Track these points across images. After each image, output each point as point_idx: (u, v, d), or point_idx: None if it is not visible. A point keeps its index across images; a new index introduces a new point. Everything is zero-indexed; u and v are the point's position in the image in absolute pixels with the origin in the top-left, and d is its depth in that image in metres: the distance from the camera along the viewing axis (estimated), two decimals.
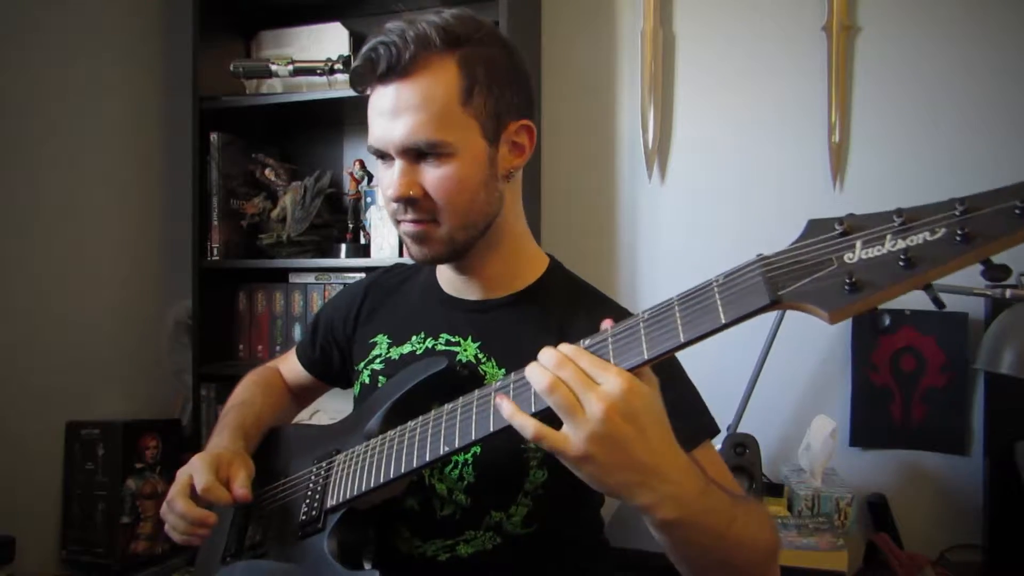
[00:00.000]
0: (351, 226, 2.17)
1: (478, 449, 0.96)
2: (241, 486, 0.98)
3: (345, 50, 2.13)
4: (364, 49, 0.95)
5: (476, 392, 0.84)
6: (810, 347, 1.96)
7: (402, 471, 0.88)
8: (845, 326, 1.93)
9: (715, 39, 2.07)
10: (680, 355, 0.99)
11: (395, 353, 1.09)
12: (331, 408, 1.77)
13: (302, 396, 1.33)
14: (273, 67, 2.10)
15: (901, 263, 0.60)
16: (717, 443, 1.49)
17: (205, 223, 2.14)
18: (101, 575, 1.98)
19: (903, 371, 1.89)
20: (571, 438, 0.70)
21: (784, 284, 0.65)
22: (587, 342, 0.76)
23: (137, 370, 2.22)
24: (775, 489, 1.86)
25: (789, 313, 1.90)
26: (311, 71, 2.10)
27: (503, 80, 0.97)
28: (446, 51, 0.93)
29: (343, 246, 2.11)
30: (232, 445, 1.06)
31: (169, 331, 2.30)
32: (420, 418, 0.90)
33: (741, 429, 1.78)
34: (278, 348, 2.19)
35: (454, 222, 0.96)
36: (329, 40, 2.15)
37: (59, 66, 2.00)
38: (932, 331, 1.87)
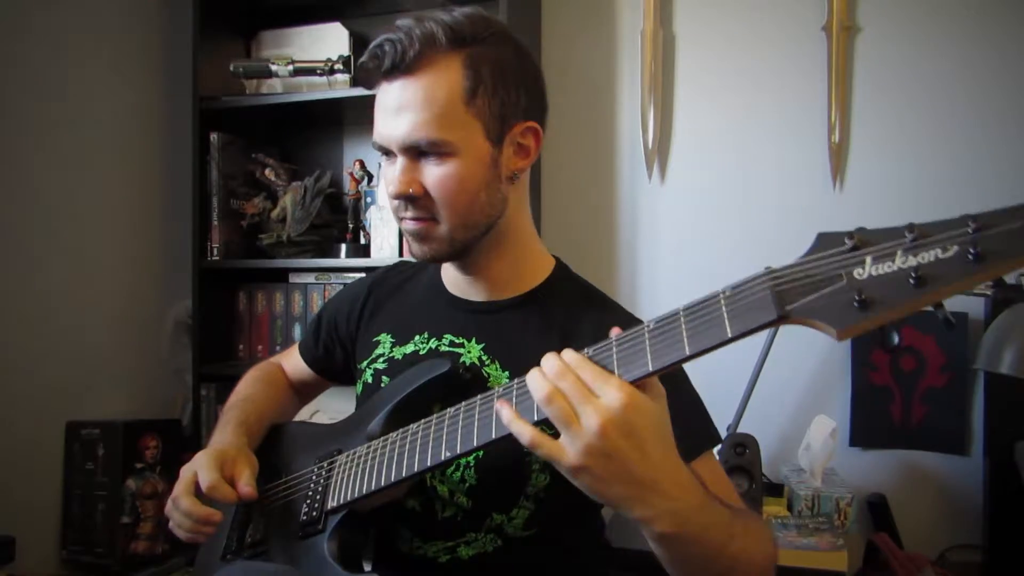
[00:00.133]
0: (351, 226, 2.17)
1: (480, 452, 0.96)
2: (246, 484, 0.98)
3: (345, 50, 2.13)
4: (371, 45, 0.95)
5: (479, 397, 0.84)
6: (810, 347, 1.96)
7: (403, 475, 0.88)
8: None
9: (715, 39, 2.07)
10: None
11: (398, 353, 1.09)
12: (332, 408, 1.77)
13: (304, 392, 1.32)
14: (273, 67, 2.10)
15: (912, 281, 0.59)
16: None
17: (205, 223, 2.14)
18: (101, 575, 1.98)
19: (903, 371, 1.89)
20: (567, 449, 0.70)
21: (792, 299, 0.64)
22: (591, 350, 0.75)
23: (137, 370, 2.22)
24: (775, 489, 1.86)
25: None
26: (311, 71, 2.10)
27: (510, 81, 0.96)
28: (452, 50, 0.93)
29: (343, 246, 2.12)
30: (235, 441, 1.06)
31: (169, 331, 2.30)
32: (422, 421, 0.90)
33: (741, 429, 1.78)
34: (278, 348, 2.19)
35: (454, 221, 0.96)
36: (329, 40, 2.15)
37: (59, 66, 2.01)
38: (932, 331, 1.87)
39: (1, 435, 1.85)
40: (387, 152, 0.98)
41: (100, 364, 2.11)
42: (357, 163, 2.18)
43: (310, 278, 2.18)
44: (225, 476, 0.98)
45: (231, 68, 2.11)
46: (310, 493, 1.00)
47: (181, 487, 0.98)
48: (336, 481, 0.97)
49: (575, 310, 1.03)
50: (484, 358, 1.02)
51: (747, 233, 2.04)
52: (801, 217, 2.00)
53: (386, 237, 2.05)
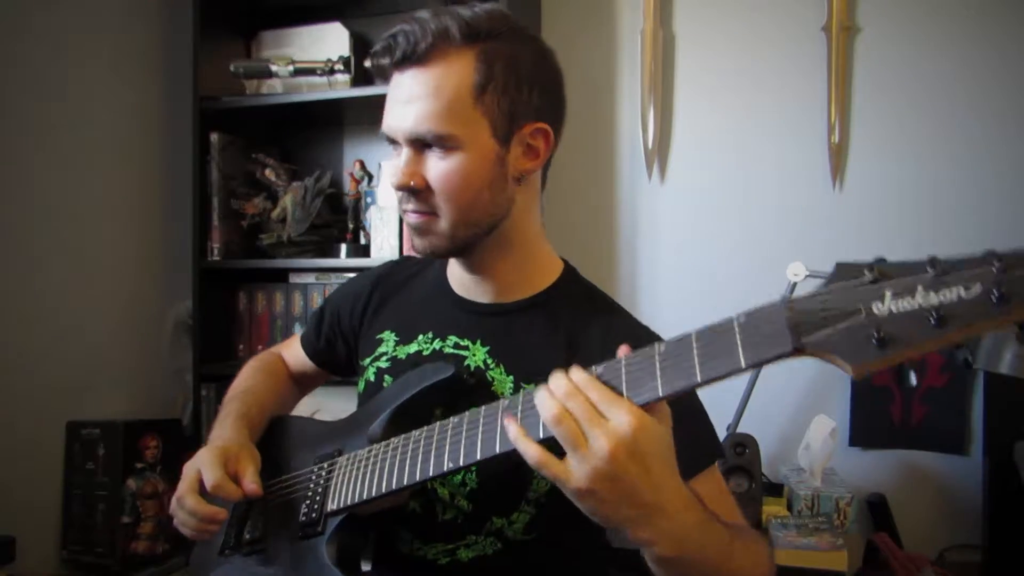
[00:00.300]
0: (351, 226, 2.17)
1: None
2: (251, 481, 0.98)
3: (345, 50, 2.13)
4: (385, 35, 0.94)
5: (483, 409, 0.83)
6: None
7: (404, 483, 0.87)
8: None
9: (715, 39, 2.07)
10: None
11: (402, 352, 1.08)
12: (333, 407, 1.77)
13: (304, 383, 1.32)
14: (273, 67, 2.10)
15: (932, 320, 0.57)
16: None
17: (205, 223, 2.14)
18: (101, 575, 1.98)
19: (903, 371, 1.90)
20: (573, 472, 0.70)
21: (808, 331, 0.63)
22: (600, 369, 0.74)
23: (137, 370, 2.22)
24: (775, 489, 1.86)
25: None
26: (311, 71, 2.10)
27: (523, 80, 0.95)
28: (465, 44, 0.92)
29: (343, 246, 2.12)
30: (237, 436, 1.05)
31: (169, 331, 2.30)
32: (425, 428, 0.89)
33: (741, 429, 1.78)
34: None
35: (454, 217, 0.95)
36: (329, 40, 2.15)
37: (59, 66, 2.00)
38: None
39: (1, 435, 1.85)
40: (394, 142, 0.97)
41: (100, 364, 2.11)
42: (357, 163, 2.18)
43: (310, 278, 2.18)
44: (229, 472, 0.98)
45: (231, 68, 2.11)
46: (309, 493, 0.99)
47: (185, 485, 0.98)
48: (336, 483, 0.96)
49: (582, 315, 1.02)
50: (489, 361, 1.01)
51: (747, 233, 2.04)
52: (801, 217, 2.00)
53: (386, 237, 2.05)
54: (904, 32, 1.94)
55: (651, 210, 2.12)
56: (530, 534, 0.97)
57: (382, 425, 0.98)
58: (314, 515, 0.96)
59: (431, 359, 1.04)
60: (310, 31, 2.18)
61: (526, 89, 0.95)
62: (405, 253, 2.00)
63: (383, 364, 1.09)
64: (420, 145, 0.94)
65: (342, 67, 2.08)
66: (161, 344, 2.29)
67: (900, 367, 0.57)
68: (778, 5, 2.02)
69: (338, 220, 2.21)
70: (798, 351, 0.63)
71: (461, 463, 0.82)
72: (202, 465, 0.98)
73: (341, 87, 2.10)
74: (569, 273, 1.08)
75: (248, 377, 1.23)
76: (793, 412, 1.97)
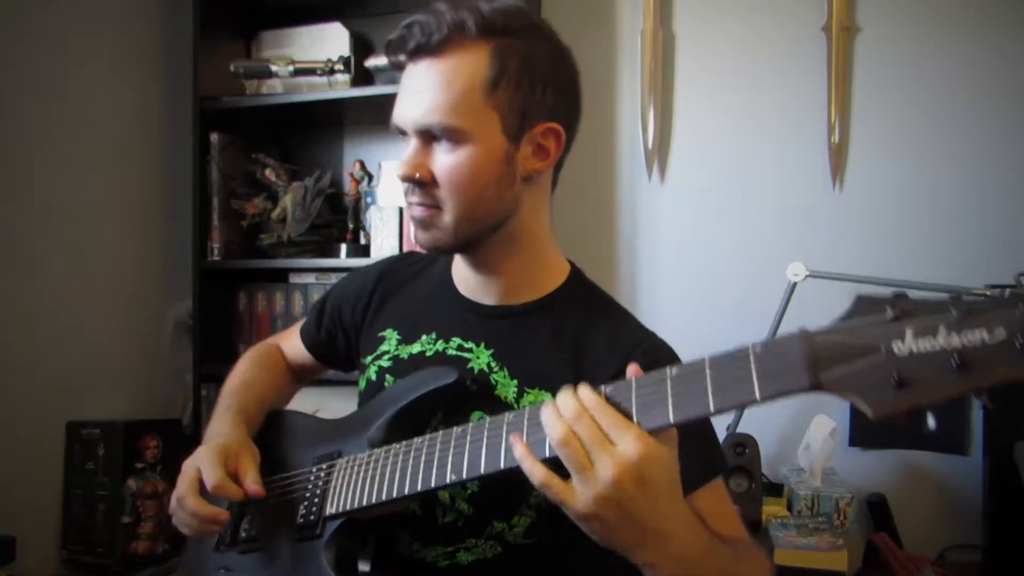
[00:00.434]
0: (351, 226, 2.17)
1: None
2: (253, 482, 0.96)
3: (345, 50, 2.13)
4: (401, 24, 0.93)
5: (488, 421, 0.82)
6: None
7: (405, 493, 0.86)
8: None
9: (715, 39, 2.07)
10: (678, 351, 1.00)
11: (404, 352, 1.06)
12: (332, 407, 1.76)
13: (302, 376, 1.30)
14: (273, 67, 2.10)
15: (954, 363, 0.56)
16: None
17: (205, 223, 2.14)
18: (101, 575, 1.98)
19: None
20: (578, 495, 0.69)
21: (826, 366, 0.61)
22: (610, 388, 0.73)
23: (137, 370, 2.22)
24: (775, 489, 1.86)
25: (791, 310, 1.89)
26: (311, 71, 2.10)
27: (537, 78, 0.93)
28: (480, 38, 0.91)
29: (343, 246, 2.12)
30: (236, 432, 1.04)
31: (169, 331, 2.30)
32: (427, 437, 0.88)
33: (741, 429, 1.78)
34: None
35: (458, 212, 0.93)
36: (329, 40, 2.15)
37: (59, 66, 2.01)
38: None
39: (1, 435, 1.85)
40: (403, 133, 0.96)
41: (100, 364, 2.11)
42: (357, 163, 2.18)
43: (310, 278, 2.18)
44: (229, 471, 0.96)
45: (231, 68, 2.11)
46: (307, 495, 0.98)
47: (185, 485, 0.96)
48: (335, 486, 0.95)
49: (589, 319, 1.00)
50: (493, 365, 1.00)
51: (747, 233, 2.04)
52: (801, 217, 2.00)
53: (386, 237, 2.05)
54: (904, 32, 1.94)
55: (651, 210, 2.12)
56: (530, 538, 0.96)
57: (382, 429, 0.97)
58: (312, 518, 0.95)
59: (434, 360, 1.03)
60: (310, 31, 2.18)
61: (540, 87, 0.94)
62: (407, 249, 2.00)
63: (385, 363, 1.07)
64: (428, 137, 0.93)
65: (342, 67, 2.08)
66: (161, 344, 2.29)
67: (919, 410, 0.56)
68: (778, 5, 2.02)
69: (338, 220, 2.21)
70: (815, 387, 0.62)
71: (464, 476, 0.81)
72: (202, 464, 0.96)
73: (341, 87, 2.10)
74: (576, 276, 1.06)
75: (246, 369, 1.21)
76: (793, 412, 1.97)
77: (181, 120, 2.18)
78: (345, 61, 2.08)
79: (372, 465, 0.93)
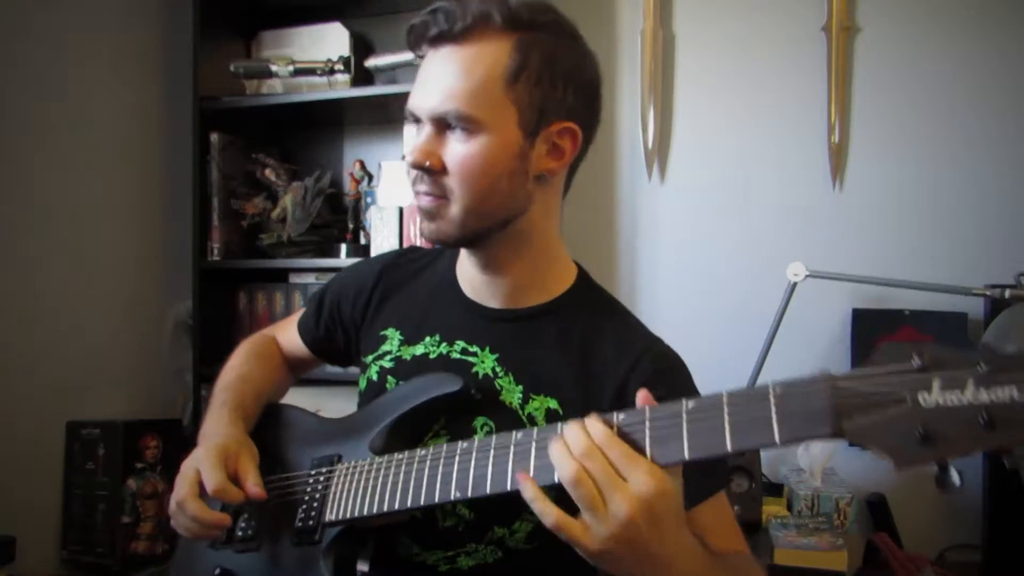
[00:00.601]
0: (351, 226, 2.17)
1: None
2: (255, 484, 0.94)
3: (345, 50, 2.13)
4: (426, 9, 0.91)
5: (495, 440, 0.81)
6: (810, 347, 1.97)
7: (407, 505, 0.85)
8: (845, 325, 1.93)
9: (715, 39, 2.07)
10: (679, 352, 1.00)
11: (407, 353, 1.04)
12: (332, 407, 1.76)
13: (298, 368, 1.28)
14: (273, 67, 2.10)
15: (982, 421, 0.55)
16: None
17: (205, 223, 2.14)
18: (101, 575, 1.98)
19: None
20: (592, 535, 0.69)
21: (850, 414, 0.60)
22: (622, 417, 0.72)
23: (137, 370, 2.22)
24: (775, 489, 1.86)
25: (790, 310, 1.89)
26: (311, 71, 2.10)
27: (558, 75, 0.91)
28: (504, 30, 0.89)
29: (343, 246, 2.11)
30: (234, 430, 1.02)
31: (169, 331, 2.30)
32: (431, 449, 0.87)
33: None
34: None
35: (466, 204, 0.91)
36: (329, 40, 2.15)
37: (59, 66, 2.01)
38: (932, 331, 1.87)
39: (1, 435, 1.85)
40: (417, 121, 0.94)
41: (100, 364, 2.11)
42: (357, 163, 2.18)
43: (310, 278, 2.18)
44: (229, 472, 0.95)
45: (231, 68, 2.11)
46: (306, 498, 0.97)
47: (185, 488, 0.94)
48: (336, 492, 0.94)
49: (596, 325, 0.99)
50: (498, 369, 0.98)
51: (747, 233, 2.04)
52: (801, 217, 2.01)
53: (386, 237, 2.05)
54: (904, 32, 1.94)
55: (651, 210, 2.12)
56: (531, 543, 0.96)
57: (384, 434, 0.96)
58: (311, 523, 0.94)
59: (437, 363, 1.01)
60: (310, 31, 2.18)
61: (561, 85, 0.92)
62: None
63: (386, 364, 1.06)
64: (442, 125, 0.91)
65: (342, 67, 2.08)
66: (161, 344, 2.29)
67: (942, 466, 0.56)
68: (778, 5, 2.02)
69: (338, 220, 2.21)
70: (837, 435, 0.61)
71: (469, 494, 0.80)
72: (201, 466, 0.95)
73: (341, 87, 2.10)
74: (583, 279, 1.04)
75: (242, 362, 1.19)
76: None
77: (181, 120, 2.18)
78: (345, 61, 2.08)
79: (373, 473, 0.91)
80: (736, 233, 2.05)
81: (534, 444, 0.77)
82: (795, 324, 1.83)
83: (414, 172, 0.93)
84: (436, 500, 0.83)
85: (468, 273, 1.03)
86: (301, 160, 2.32)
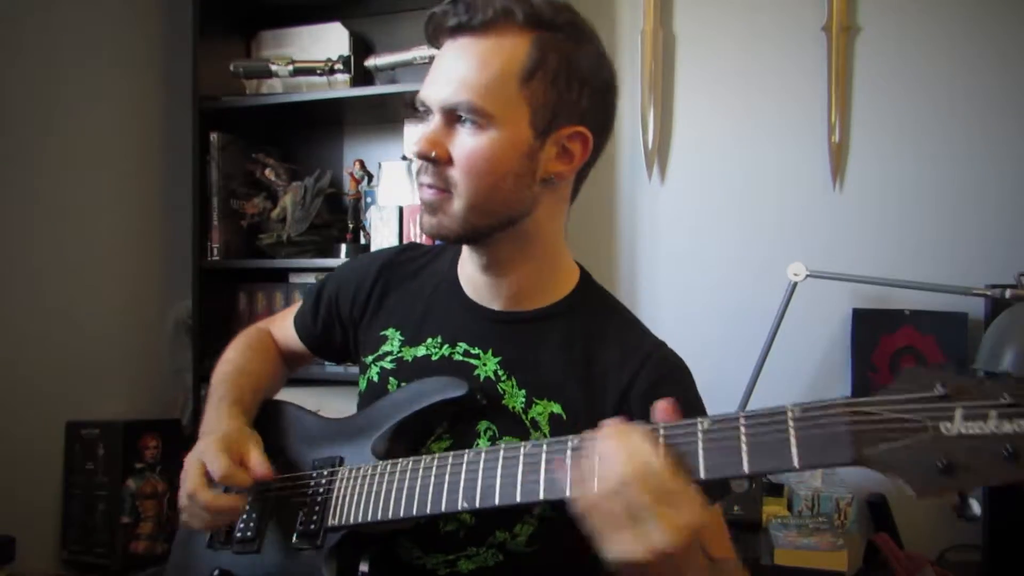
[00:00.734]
0: (351, 226, 2.17)
1: None
2: (260, 464, 0.94)
3: (345, 50, 2.13)
4: (447, 0, 0.91)
5: (503, 450, 0.81)
6: (810, 347, 1.96)
7: (413, 514, 0.85)
8: (845, 325, 1.93)
9: (715, 39, 2.07)
10: (679, 353, 1.00)
11: (408, 354, 1.03)
12: (332, 407, 1.76)
13: (294, 363, 1.26)
14: (273, 67, 2.10)
15: (1005, 453, 0.54)
16: None
17: (205, 223, 2.14)
18: (101, 575, 1.98)
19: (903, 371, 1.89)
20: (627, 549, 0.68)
21: (870, 442, 0.59)
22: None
23: (137, 370, 2.22)
24: (775, 489, 1.86)
25: (791, 310, 1.89)
26: (311, 71, 2.10)
27: (574, 78, 0.91)
28: (525, 28, 0.88)
29: (343, 246, 2.11)
30: (235, 423, 1.01)
31: (169, 331, 2.30)
32: (437, 456, 0.86)
33: None
34: None
35: (470, 200, 0.90)
36: (329, 40, 2.15)
37: (59, 66, 2.01)
38: (932, 331, 1.87)
39: (1, 435, 1.85)
40: (427, 112, 0.93)
41: (100, 364, 2.11)
42: (357, 163, 2.18)
43: (310, 278, 2.18)
44: (233, 459, 0.94)
45: (231, 68, 2.11)
46: (307, 501, 0.96)
47: (195, 480, 0.93)
48: (338, 496, 0.93)
49: (599, 329, 0.99)
50: (500, 373, 0.97)
51: (747, 233, 2.04)
52: (801, 217, 2.00)
53: (386, 237, 2.05)
54: (904, 32, 1.94)
55: (651, 210, 2.12)
56: (532, 546, 0.95)
57: (387, 438, 0.95)
58: (313, 527, 0.93)
59: (439, 365, 1.00)
60: (310, 31, 2.18)
61: (576, 88, 0.91)
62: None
63: (387, 365, 1.04)
64: (452, 117, 0.90)
65: (342, 67, 2.08)
66: (161, 344, 2.29)
67: (963, 496, 0.55)
68: (778, 5, 2.02)
69: (338, 220, 2.21)
70: (858, 462, 0.60)
71: (477, 505, 0.80)
72: (205, 456, 0.94)
73: (341, 87, 2.10)
74: (585, 281, 1.04)
75: (238, 355, 1.17)
76: None
77: (181, 120, 2.18)
78: (345, 61, 2.08)
79: (377, 479, 0.90)
80: (736, 233, 2.05)
81: (544, 456, 0.77)
82: (795, 324, 1.83)
83: (419, 162, 0.92)
84: (443, 510, 0.82)
85: (470, 273, 1.02)
86: (301, 160, 2.32)
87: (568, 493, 0.73)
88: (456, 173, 0.90)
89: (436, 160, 0.90)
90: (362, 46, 2.19)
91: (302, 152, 2.35)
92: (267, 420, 1.09)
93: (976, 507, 0.54)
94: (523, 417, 0.95)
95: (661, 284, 2.11)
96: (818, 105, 1.98)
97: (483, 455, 0.82)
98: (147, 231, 2.26)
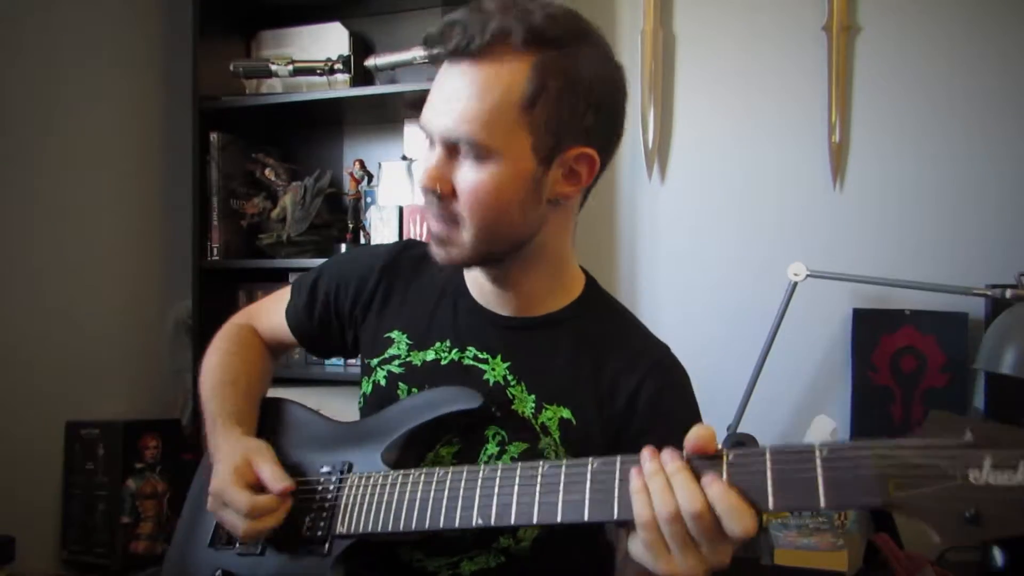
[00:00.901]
0: (351, 226, 2.17)
1: None
2: (275, 481, 0.92)
3: (345, 50, 2.13)
4: (445, 19, 0.87)
5: (520, 468, 0.80)
6: (810, 347, 1.96)
7: (426, 527, 0.84)
8: (845, 325, 1.93)
9: (715, 39, 2.07)
10: (679, 353, 1.00)
11: (417, 358, 1.02)
12: (332, 408, 1.76)
13: (279, 352, 1.23)
14: (273, 67, 2.10)
15: None
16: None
17: (205, 223, 2.14)
18: (101, 575, 1.98)
19: (903, 371, 1.89)
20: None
21: (898, 486, 0.60)
22: (662, 456, 0.73)
23: (137, 370, 2.22)
24: None
25: (791, 310, 1.88)
26: (311, 71, 2.10)
27: (580, 98, 0.87)
28: (524, 51, 0.85)
29: (343, 246, 2.11)
30: (239, 443, 0.99)
31: (169, 331, 2.30)
32: (451, 469, 0.85)
33: (741, 429, 1.78)
34: None
35: (477, 231, 0.89)
36: (329, 40, 2.15)
37: (59, 66, 2.01)
38: (932, 331, 1.87)
39: (1, 435, 1.85)
40: (429, 138, 0.91)
41: (100, 364, 2.11)
42: (357, 163, 2.18)
43: None
44: (250, 484, 0.92)
45: (231, 68, 2.11)
46: (315, 506, 0.94)
47: (240, 521, 0.91)
48: (347, 503, 0.92)
49: (606, 334, 0.99)
50: (510, 378, 0.97)
51: (747, 233, 2.04)
52: (801, 217, 2.00)
53: (386, 237, 2.05)
54: (904, 32, 1.94)
55: (651, 210, 2.12)
56: (535, 550, 0.95)
57: (398, 447, 0.95)
58: (320, 532, 0.92)
59: (449, 369, 0.99)
60: (310, 31, 2.18)
61: (581, 107, 0.88)
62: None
63: (395, 369, 1.03)
64: (454, 148, 0.88)
65: (342, 67, 2.08)
66: (161, 344, 2.29)
67: (986, 544, 0.56)
68: (778, 5, 2.02)
69: (338, 220, 2.21)
70: (884, 507, 0.61)
71: (492, 523, 0.79)
72: (225, 497, 0.92)
73: (341, 87, 2.10)
74: (591, 287, 1.04)
75: (224, 363, 1.13)
76: (793, 412, 1.97)
77: (181, 120, 2.18)
78: (345, 61, 2.08)
79: (388, 489, 0.89)
80: (736, 233, 2.05)
81: (563, 474, 0.77)
82: (795, 324, 1.83)
83: (425, 195, 0.92)
84: (456, 525, 0.82)
85: (478, 280, 1.02)
86: (301, 160, 2.32)
87: (587, 517, 0.74)
88: (461, 207, 0.88)
89: (440, 195, 0.89)
90: (362, 46, 2.19)
91: (302, 152, 2.35)
92: (273, 420, 1.08)
93: (1000, 558, 0.55)
94: (533, 422, 0.95)
95: (661, 284, 2.11)
96: (818, 105, 1.98)
97: (499, 472, 0.81)
98: (147, 231, 2.26)
